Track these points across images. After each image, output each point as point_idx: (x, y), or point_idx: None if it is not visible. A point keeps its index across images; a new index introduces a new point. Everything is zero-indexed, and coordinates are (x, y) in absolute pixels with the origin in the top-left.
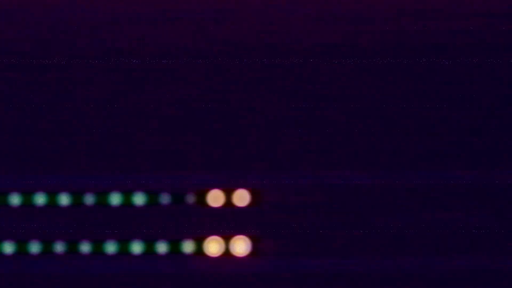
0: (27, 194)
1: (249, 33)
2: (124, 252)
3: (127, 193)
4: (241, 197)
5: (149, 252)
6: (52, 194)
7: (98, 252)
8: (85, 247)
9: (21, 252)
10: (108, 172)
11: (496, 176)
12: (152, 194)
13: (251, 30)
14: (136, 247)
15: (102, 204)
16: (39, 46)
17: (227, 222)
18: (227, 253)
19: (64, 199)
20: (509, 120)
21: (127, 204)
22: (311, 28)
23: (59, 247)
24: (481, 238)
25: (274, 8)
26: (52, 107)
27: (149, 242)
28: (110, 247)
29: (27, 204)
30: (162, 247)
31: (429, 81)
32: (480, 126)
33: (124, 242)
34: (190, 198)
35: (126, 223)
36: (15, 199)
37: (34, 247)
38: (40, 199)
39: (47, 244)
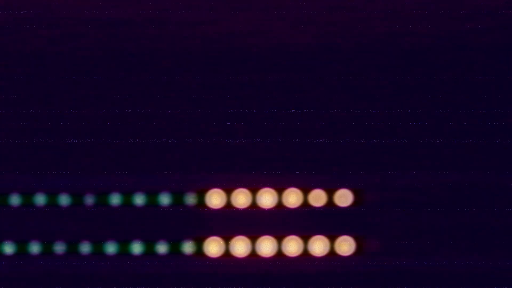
0: (27, 194)
1: (252, 33)
2: (124, 252)
3: (127, 194)
4: (242, 198)
5: (149, 252)
6: (52, 194)
7: (98, 252)
8: (85, 248)
9: (21, 252)
10: (108, 173)
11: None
12: (152, 195)
13: (253, 30)
14: (136, 248)
15: (102, 204)
16: (39, 46)
17: (228, 223)
18: (227, 254)
19: (64, 200)
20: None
21: (127, 205)
22: (313, 28)
23: (59, 248)
24: (481, 237)
25: (273, 9)
26: (52, 107)
27: (149, 243)
28: (110, 248)
29: (27, 205)
30: (162, 248)
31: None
32: (482, 126)
33: (124, 242)
34: (190, 199)
35: (126, 223)
36: (15, 200)
37: (34, 248)
38: (40, 199)
39: (47, 244)
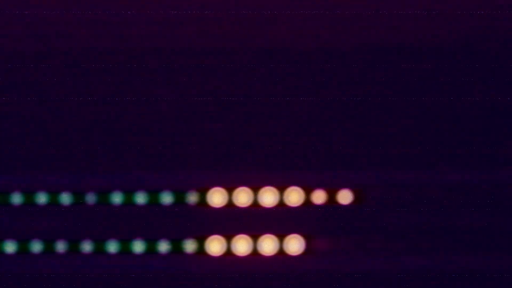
0: (29, 193)
1: (252, 32)
2: (125, 251)
3: (129, 192)
4: (243, 196)
5: (151, 251)
6: (53, 193)
7: (99, 251)
8: (86, 247)
9: (22, 251)
10: (109, 171)
11: (496, 176)
12: (154, 193)
13: (253, 30)
14: (138, 247)
15: (104, 203)
16: (39, 45)
17: (230, 221)
18: (229, 253)
19: (65, 198)
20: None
21: (129, 203)
22: (319, 29)
23: (60, 247)
24: (481, 238)
25: (272, 9)
26: (53, 106)
27: (151, 242)
28: (112, 247)
29: (29, 203)
30: (163, 247)
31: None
32: (482, 125)
33: (125, 241)
34: (192, 197)
35: (128, 222)
36: (16, 198)
37: (36, 247)
38: (41, 198)
39: (48, 243)
